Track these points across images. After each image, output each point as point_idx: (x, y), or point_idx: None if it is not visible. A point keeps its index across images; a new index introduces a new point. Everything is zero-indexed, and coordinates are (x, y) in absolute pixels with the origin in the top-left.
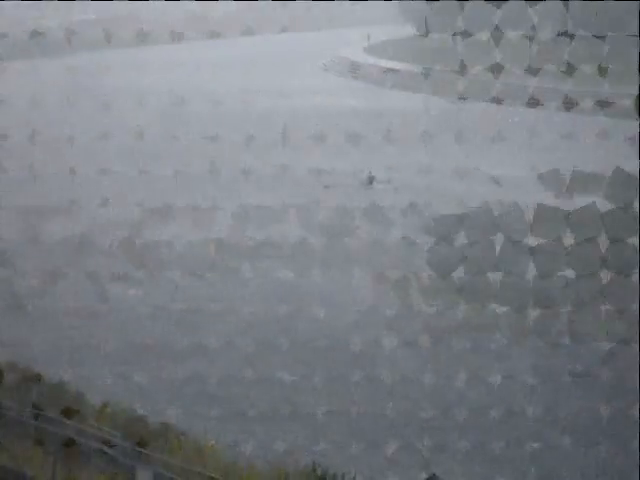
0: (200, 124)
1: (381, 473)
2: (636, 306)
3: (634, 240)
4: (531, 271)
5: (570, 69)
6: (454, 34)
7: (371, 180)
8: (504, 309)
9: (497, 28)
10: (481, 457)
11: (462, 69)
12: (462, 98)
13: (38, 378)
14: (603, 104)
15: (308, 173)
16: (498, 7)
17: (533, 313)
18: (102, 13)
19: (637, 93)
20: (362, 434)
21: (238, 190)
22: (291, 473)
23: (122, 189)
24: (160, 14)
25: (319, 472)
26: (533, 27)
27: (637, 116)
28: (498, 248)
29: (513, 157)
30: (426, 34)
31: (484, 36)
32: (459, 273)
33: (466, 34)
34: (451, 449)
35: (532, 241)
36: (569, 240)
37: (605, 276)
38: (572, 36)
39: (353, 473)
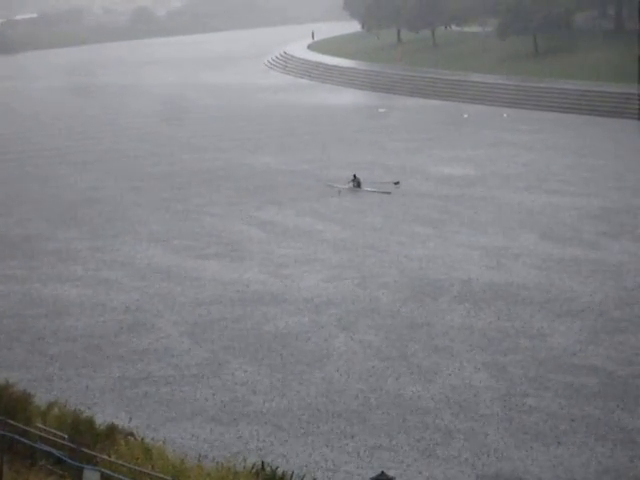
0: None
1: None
2: None
3: None
4: None
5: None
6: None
7: (358, 183)
8: None
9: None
10: None
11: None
12: (409, 94)
13: None
14: None
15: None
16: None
17: None
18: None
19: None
20: None
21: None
22: (240, 472)
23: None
24: (106, 11)
25: (268, 471)
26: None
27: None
28: None
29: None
30: (369, 31)
31: (427, 33)
32: None
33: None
34: None
35: None
36: None
37: None
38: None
39: (303, 472)
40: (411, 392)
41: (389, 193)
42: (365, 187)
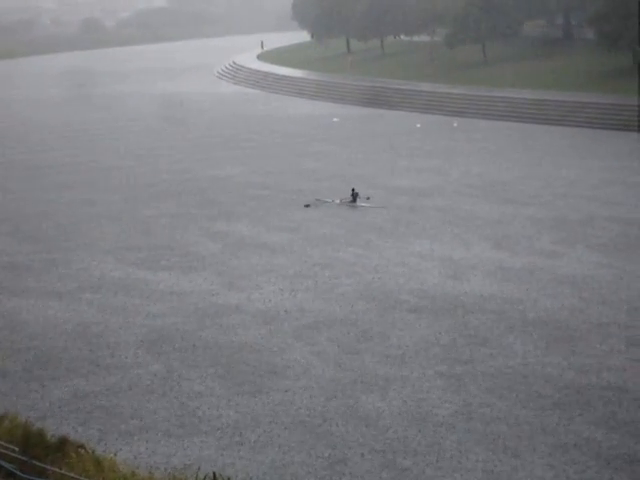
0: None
1: None
2: None
3: None
4: None
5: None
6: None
7: (355, 197)
8: None
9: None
10: None
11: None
12: (359, 104)
13: None
14: None
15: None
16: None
17: None
18: None
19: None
20: None
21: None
22: None
23: None
24: (55, 22)
25: None
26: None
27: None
28: None
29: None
30: (318, 40)
31: (376, 43)
32: None
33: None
34: None
35: None
36: None
37: None
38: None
39: None
40: (368, 403)
41: (385, 207)
42: (360, 202)
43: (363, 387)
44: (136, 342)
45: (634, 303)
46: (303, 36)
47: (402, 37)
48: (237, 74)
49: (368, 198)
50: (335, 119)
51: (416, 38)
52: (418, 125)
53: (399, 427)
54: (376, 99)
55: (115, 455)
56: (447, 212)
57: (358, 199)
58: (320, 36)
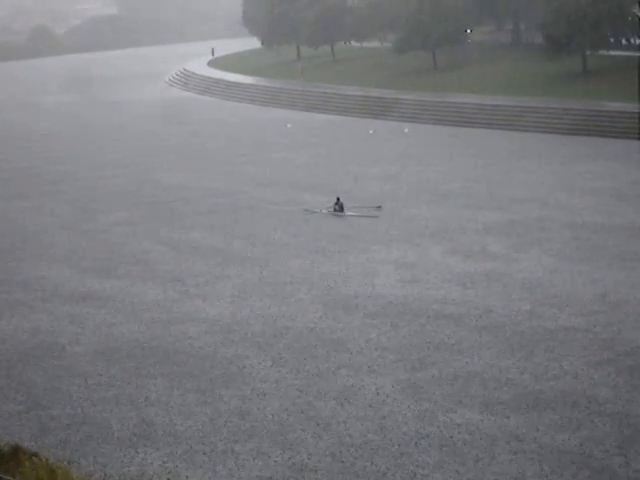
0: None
1: None
2: None
3: None
4: None
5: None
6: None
7: (341, 207)
8: None
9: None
10: None
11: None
12: (310, 110)
13: None
14: None
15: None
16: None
17: None
18: None
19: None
20: None
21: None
22: None
23: None
24: (4, 30)
25: None
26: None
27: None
28: None
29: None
30: (269, 47)
31: (326, 49)
32: None
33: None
34: None
35: None
36: None
37: None
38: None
39: None
40: (327, 410)
41: (376, 217)
42: (347, 212)
43: (321, 394)
44: (91, 351)
45: (588, 307)
46: (254, 43)
47: (352, 43)
48: (188, 81)
49: (379, 207)
50: (288, 125)
51: (366, 44)
52: (371, 131)
53: (358, 433)
54: (326, 105)
55: (69, 464)
56: (402, 218)
57: (345, 208)
58: (271, 43)
